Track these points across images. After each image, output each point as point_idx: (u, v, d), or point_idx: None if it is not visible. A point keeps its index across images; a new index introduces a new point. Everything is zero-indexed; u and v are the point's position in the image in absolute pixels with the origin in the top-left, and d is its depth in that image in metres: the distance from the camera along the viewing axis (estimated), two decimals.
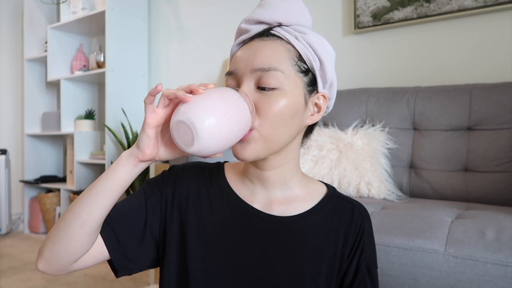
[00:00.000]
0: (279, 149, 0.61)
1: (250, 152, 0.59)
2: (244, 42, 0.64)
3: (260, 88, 0.58)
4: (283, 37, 0.61)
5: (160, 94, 0.56)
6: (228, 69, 0.64)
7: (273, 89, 0.58)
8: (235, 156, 0.60)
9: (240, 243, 0.64)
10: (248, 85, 0.59)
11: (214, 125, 0.51)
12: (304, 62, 0.61)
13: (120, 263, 0.64)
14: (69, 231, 0.56)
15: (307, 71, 0.62)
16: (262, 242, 0.64)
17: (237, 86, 0.61)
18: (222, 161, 0.74)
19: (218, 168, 0.71)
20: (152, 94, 0.55)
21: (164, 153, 0.59)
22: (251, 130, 0.58)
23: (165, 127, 0.58)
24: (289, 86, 0.59)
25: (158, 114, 0.56)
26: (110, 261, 0.64)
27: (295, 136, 0.63)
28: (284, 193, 0.66)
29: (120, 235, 0.63)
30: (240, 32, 0.65)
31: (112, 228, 0.62)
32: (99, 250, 0.62)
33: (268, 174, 0.64)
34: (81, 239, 0.57)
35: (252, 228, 0.64)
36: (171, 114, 0.55)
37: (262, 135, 0.58)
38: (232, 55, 0.66)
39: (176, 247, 0.66)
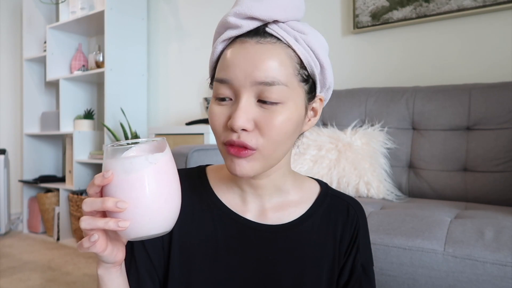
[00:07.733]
0: (277, 163, 0.58)
1: (249, 169, 0.54)
2: (230, 40, 0.56)
3: (262, 101, 0.52)
4: (282, 39, 0.54)
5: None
6: (217, 74, 0.55)
7: (276, 103, 0.52)
8: (230, 171, 0.55)
9: (236, 258, 0.61)
10: (248, 99, 0.52)
11: (167, 218, 0.48)
12: (305, 69, 0.56)
13: None
14: None
15: (308, 78, 0.56)
16: (259, 254, 0.61)
17: (233, 96, 0.54)
18: (203, 164, 0.69)
19: (200, 175, 0.66)
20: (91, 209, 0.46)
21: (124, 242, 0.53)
22: (253, 150, 0.53)
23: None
24: (292, 98, 0.54)
25: (101, 240, 0.48)
26: None
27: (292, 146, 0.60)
28: (278, 199, 0.63)
29: None
30: (226, 25, 0.55)
31: None
32: None
33: (261, 182, 0.61)
34: None
35: (247, 240, 0.61)
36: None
37: (263, 155, 0.54)
38: (219, 54, 0.57)
39: (163, 274, 0.63)
